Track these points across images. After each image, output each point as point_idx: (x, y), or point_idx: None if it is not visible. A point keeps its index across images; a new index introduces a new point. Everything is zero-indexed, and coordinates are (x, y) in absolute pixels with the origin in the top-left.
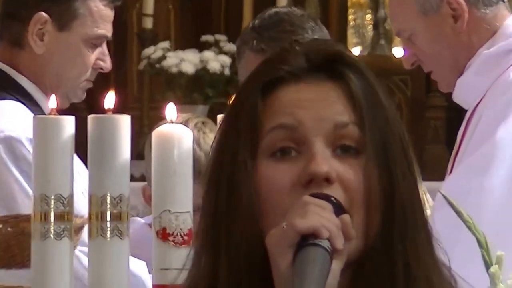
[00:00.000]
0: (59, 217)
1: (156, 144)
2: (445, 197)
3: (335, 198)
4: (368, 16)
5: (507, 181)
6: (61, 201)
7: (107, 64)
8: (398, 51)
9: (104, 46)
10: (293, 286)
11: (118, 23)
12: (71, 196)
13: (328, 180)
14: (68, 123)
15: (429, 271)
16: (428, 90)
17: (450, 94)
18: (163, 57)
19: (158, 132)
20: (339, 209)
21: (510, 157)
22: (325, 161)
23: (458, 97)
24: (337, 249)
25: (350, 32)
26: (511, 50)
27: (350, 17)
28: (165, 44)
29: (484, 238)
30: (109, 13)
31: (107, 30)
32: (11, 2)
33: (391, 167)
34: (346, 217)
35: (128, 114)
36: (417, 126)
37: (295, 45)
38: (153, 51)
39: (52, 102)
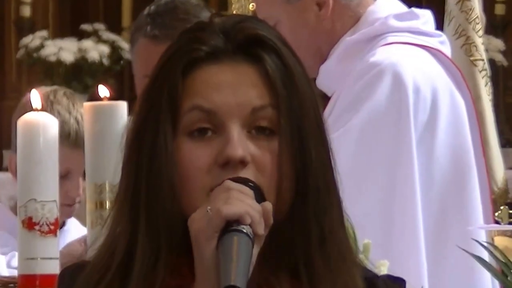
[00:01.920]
0: None
1: (21, 132)
2: None
3: (253, 183)
4: (251, 6)
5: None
6: None
7: None
8: None
9: None
10: (220, 275)
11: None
12: None
13: (243, 163)
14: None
15: (342, 243)
16: None
17: None
18: (41, 46)
19: (23, 120)
20: (259, 195)
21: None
22: (240, 145)
23: (322, 83)
24: (258, 234)
25: None
26: (373, 37)
27: (233, 5)
28: (43, 33)
29: (350, 226)
30: None
31: None
32: None
33: (305, 148)
34: (267, 204)
35: (7, 103)
36: None
37: (213, 21)
38: (30, 40)
39: None
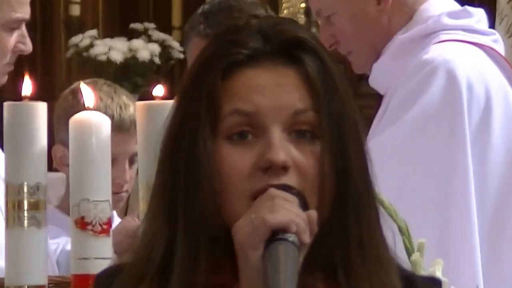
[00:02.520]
0: None
1: (73, 131)
2: None
3: (297, 190)
4: (303, 4)
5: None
6: None
7: (27, 46)
8: None
9: (23, 28)
10: (267, 284)
11: (45, 10)
12: None
13: (284, 168)
14: None
15: (380, 248)
16: (360, 78)
17: None
18: (91, 45)
19: (76, 119)
20: (302, 202)
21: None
22: (282, 149)
23: (374, 81)
24: (304, 243)
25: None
26: (426, 35)
27: (284, 5)
28: (93, 32)
29: (405, 225)
30: None
31: (24, 13)
32: None
33: (345, 151)
34: (313, 212)
35: (56, 102)
36: None
37: (250, 22)
38: (80, 39)
39: None
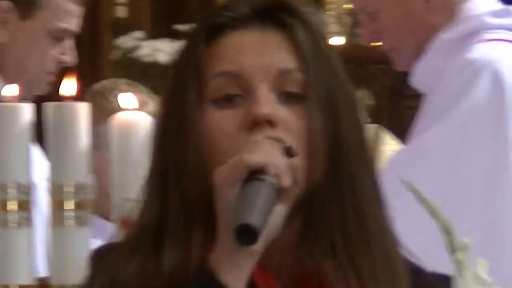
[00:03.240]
0: (19, 205)
1: (115, 132)
2: (405, 182)
3: (288, 142)
4: (346, 5)
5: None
6: (20, 190)
7: (71, 58)
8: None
9: (70, 39)
10: (237, 215)
11: (91, 11)
12: (30, 184)
13: (271, 123)
14: (26, 111)
15: (376, 208)
16: (405, 79)
17: None
18: (136, 47)
19: (117, 119)
20: (289, 152)
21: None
22: (268, 104)
23: (417, 81)
24: (283, 187)
25: (330, 21)
26: (469, 34)
27: (329, 6)
28: (138, 33)
29: (449, 224)
30: (74, 8)
31: (71, 24)
32: None
33: (336, 112)
34: (295, 160)
35: None
36: (395, 115)
37: None
38: (125, 41)
39: (10, 90)
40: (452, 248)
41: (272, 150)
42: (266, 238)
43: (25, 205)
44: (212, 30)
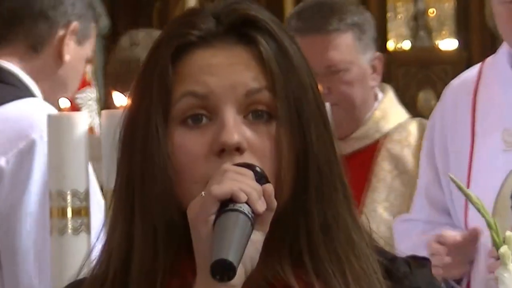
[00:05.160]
0: (76, 212)
1: (105, 122)
2: (453, 181)
3: (259, 168)
4: (409, 9)
5: None
6: (78, 196)
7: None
8: (439, 42)
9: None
10: (212, 251)
11: (163, 17)
12: (87, 191)
13: (239, 150)
14: (81, 120)
15: (349, 229)
16: None
17: None
18: None
19: (107, 112)
20: (261, 178)
21: None
22: (235, 130)
23: None
24: (258, 213)
25: (397, 24)
26: None
27: (397, 10)
28: None
29: (493, 219)
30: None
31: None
32: (44, 2)
33: (305, 131)
34: (269, 186)
35: None
36: None
37: (204, 6)
38: None
39: (63, 102)
40: (496, 242)
41: (241, 177)
42: (246, 269)
43: (82, 212)
44: (179, 49)
